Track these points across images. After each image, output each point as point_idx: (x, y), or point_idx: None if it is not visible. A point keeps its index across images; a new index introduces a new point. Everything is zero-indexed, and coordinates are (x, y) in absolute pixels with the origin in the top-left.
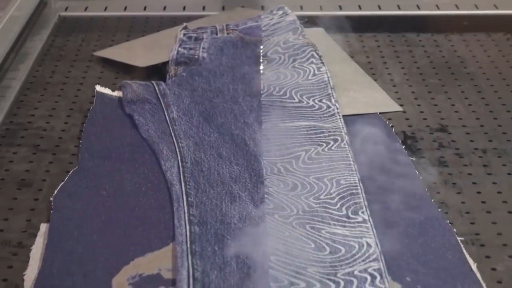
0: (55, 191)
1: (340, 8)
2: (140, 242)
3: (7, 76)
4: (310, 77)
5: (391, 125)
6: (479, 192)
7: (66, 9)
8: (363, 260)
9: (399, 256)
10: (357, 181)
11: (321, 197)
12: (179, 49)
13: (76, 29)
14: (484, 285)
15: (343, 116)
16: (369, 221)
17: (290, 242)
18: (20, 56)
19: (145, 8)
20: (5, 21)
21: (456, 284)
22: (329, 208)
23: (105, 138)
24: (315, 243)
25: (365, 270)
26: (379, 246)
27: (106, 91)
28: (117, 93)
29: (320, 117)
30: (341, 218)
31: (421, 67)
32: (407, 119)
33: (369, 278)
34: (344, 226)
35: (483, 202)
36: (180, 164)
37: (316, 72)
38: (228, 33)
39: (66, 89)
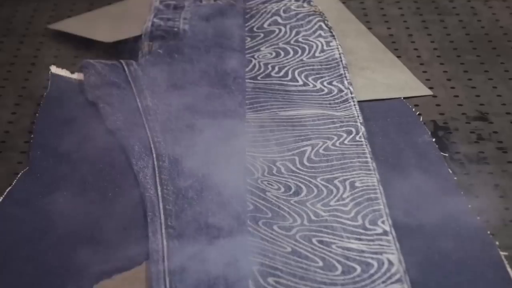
0: (0, 198)
1: None
2: (106, 261)
3: None
4: (317, 54)
5: (418, 112)
6: None
7: None
8: (383, 282)
9: (429, 276)
10: (376, 183)
11: (331, 203)
12: (155, 20)
13: None
14: None
15: (359, 102)
16: (391, 233)
17: (293, 259)
18: None
19: None
20: None
21: None
22: (341, 217)
23: (62, 131)
24: (324, 260)
25: None
26: (403, 264)
27: (64, 73)
28: (77, 76)
29: (330, 104)
30: (356, 230)
31: (455, 40)
32: (438, 105)
33: None
34: (360, 240)
35: None
36: (155, 163)
37: (325, 47)
38: (215, 0)
39: (14, 71)
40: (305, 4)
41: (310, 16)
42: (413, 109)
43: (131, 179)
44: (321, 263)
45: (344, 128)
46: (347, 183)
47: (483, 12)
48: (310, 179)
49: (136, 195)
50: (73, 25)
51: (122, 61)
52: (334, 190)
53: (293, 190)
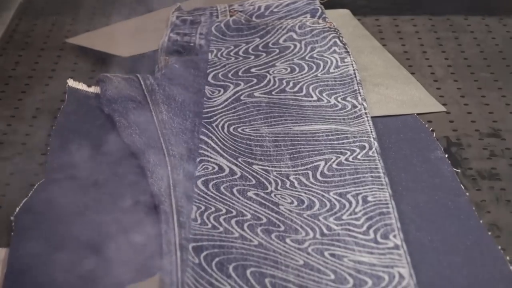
0: (17, 209)
1: None
2: (120, 271)
3: None
4: (332, 70)
5: (431, 129)
6: None
7: None
8: None
9: None
10: (388, 198)
11: (344, 217)
12: (171, 35)
13: (45, 10)
14: None
15: (372, 117)
16: (403, 247)
17: (305, 272)
18: None
19: None
20: None
21: None
22: (354, 231)
23: (79, 144)
24: (335, 273)
25: None
26: (414, 278)
27: (81, 86)
28: (94, 89)
29: (344, 119)
30: (368, 243)
31: (469, 57)
32: (451, 121)
33: None
34: (372, 253)
35: None
36: (170, 176)
37: (339, 63)
38: (231, 16)
39: (32, 84)
40: (320, 21)
41: (325, 32)
42: (426, 125)
43: (146, 191)
44: (332, 276)
45: (357, 143)
46: (359, 197)
47: (498, 30)
48: (323, 193)
49: (150, 207)
50: (91, 39)
51: (138, 75)
52: (347, 204)
53: (306, 204)
